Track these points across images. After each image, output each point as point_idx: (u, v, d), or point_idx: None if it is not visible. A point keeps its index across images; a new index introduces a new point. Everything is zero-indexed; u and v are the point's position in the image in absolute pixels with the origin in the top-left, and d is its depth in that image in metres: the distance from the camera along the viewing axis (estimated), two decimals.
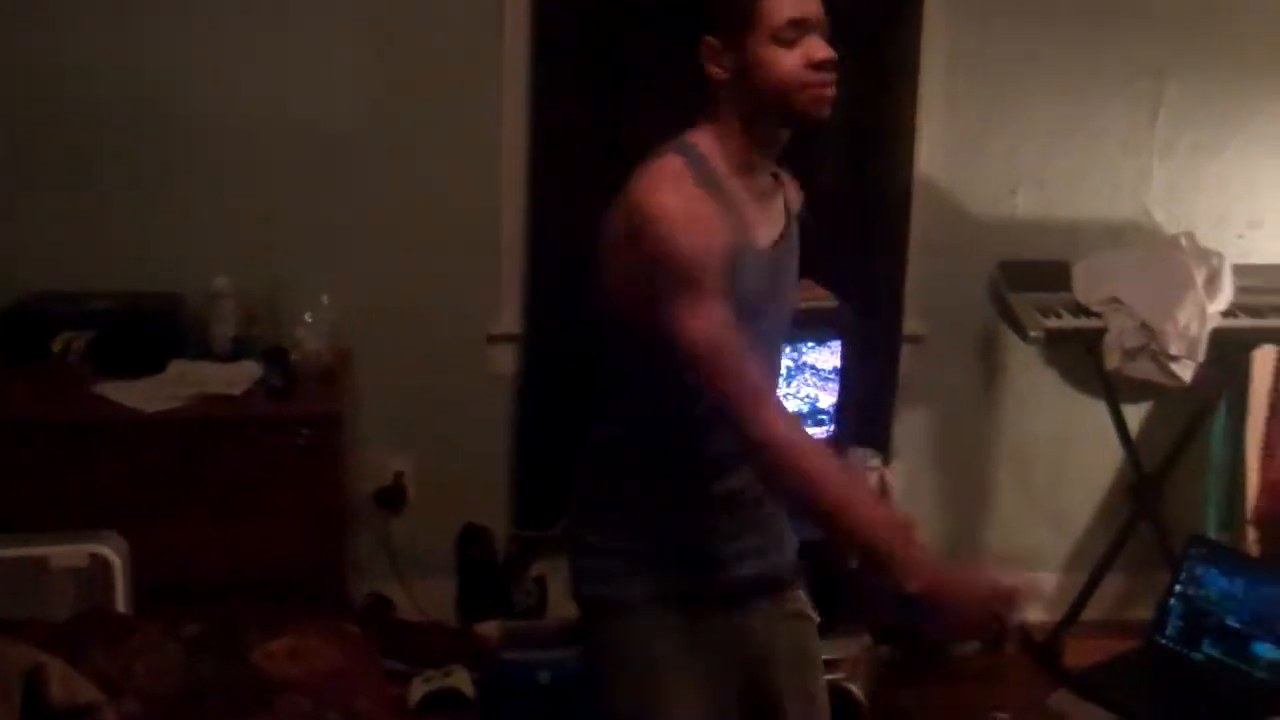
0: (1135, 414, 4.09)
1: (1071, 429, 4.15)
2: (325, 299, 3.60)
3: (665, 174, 1.97)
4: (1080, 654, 3.73)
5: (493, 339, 3.88)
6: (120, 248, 3.68)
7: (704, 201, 1.95)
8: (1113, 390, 3.91)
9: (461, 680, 3.53)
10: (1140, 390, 3.92)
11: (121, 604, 3.08)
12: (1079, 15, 3.89)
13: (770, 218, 2.11)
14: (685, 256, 1.89)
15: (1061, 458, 4.18)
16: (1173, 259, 3.71)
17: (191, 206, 3.71)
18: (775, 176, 2.17)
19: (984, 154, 3.96)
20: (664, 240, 1.90)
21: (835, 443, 3.63)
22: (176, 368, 3.52)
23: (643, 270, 1.93)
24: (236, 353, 3.61)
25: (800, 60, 1.96)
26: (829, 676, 3.30)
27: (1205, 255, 3.71)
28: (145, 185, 3.68)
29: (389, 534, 3.90)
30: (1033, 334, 3.68)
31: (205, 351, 3.61)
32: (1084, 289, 3.78)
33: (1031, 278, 3.83)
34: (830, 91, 1.99)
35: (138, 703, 2.51)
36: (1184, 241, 3.75)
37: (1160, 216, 4.02)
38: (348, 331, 3.68)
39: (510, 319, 3.88)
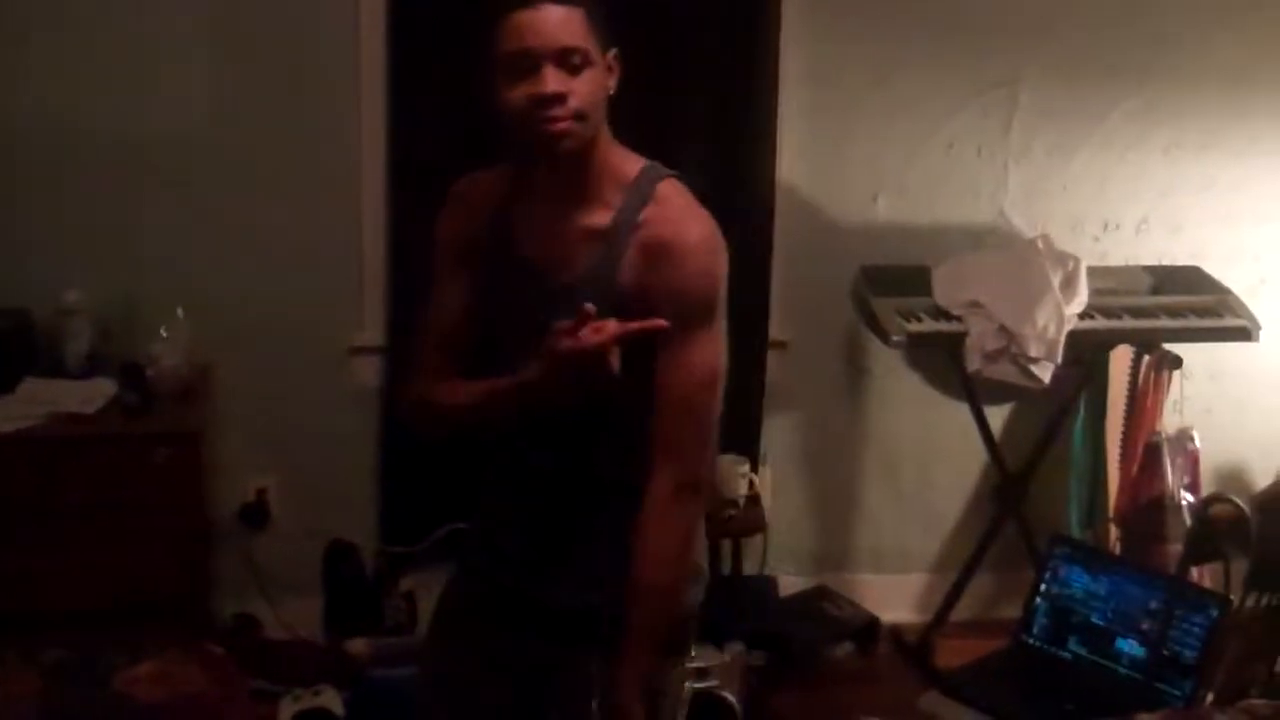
0: (998, 415, 4.16)
1: (936, 431, 4.21)
2: (181, 313, 3.51)
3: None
4: (951, 654, 3.78)
5: (355, 351, 3.82)
6: None
7: None
8: (974, 392, 3.98)
9: (331, 699, 3.46)
10: (1002, 391, 3.98)
11: None
12: (930, 29, 3.94)
13: (570, 254, 2.03)
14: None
15: (928, 459, 4.25)
16: (1030, 262, 3.78)
17: (39, 219, 3.60)
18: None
19: (844, 161, 4.01)
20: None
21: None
22: (28, 386, 3.42)
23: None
24: (90, 370, 3.51)
25: (524, 94, 1.89)
26: (702, 685, 3.34)
27: (1062, 258, 3.79)
28: None
29: (253, 552, 3.81)
30: (895, 338, 3.73)
31: (58, 369, 3.50)
32: (944, 293, 3.84)
33: (893, 282, 3.88)
34: (560, 126, 1.89)
35: None
36: (1041, 244, 3.82)
37: (1018, 220, 4.11)
38: (205, 347, 3.60)
39: (374, 331, 3.82)
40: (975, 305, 3.75)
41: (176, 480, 3.30)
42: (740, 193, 3.86)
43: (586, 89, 1.91)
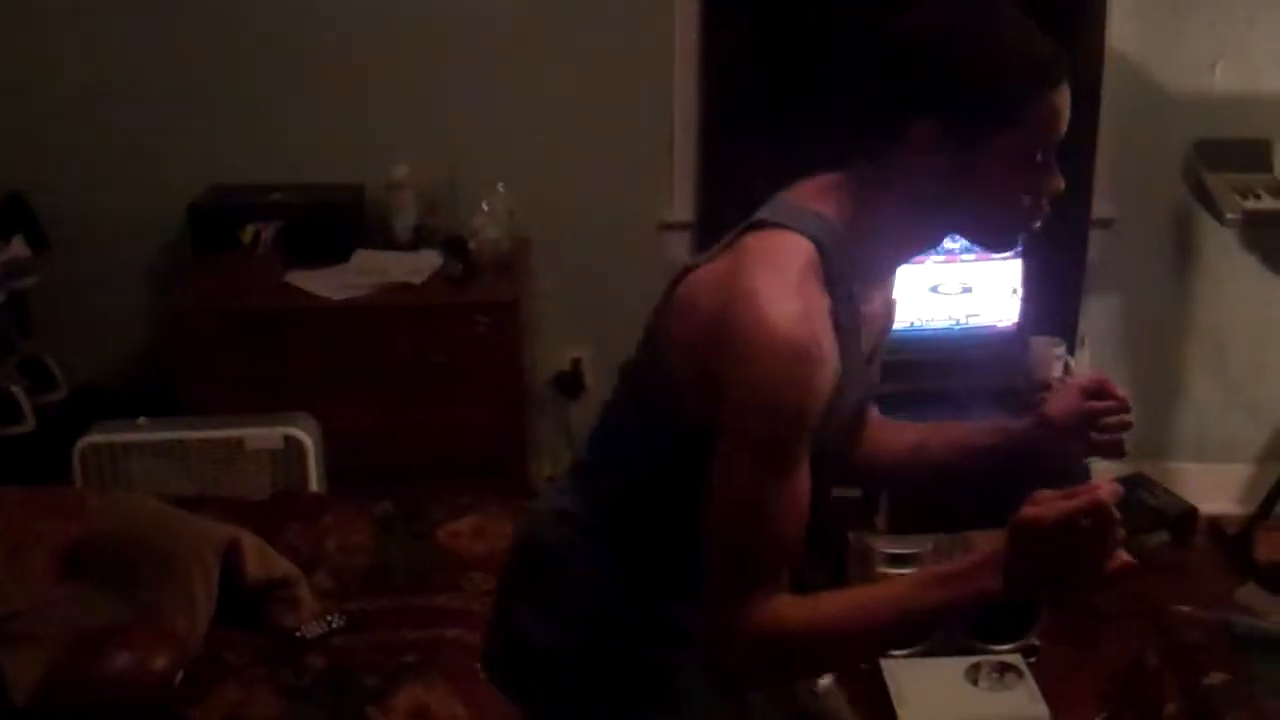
0: None
1: (1270, 315, 3.97)
2: (501, 188, 3.62)
3: (781, 269, 1.47)
4: (1272, 548, 3.61)
5: (666, 226, 3.87)
6: (301, 139, 3.76)
7: (823, 319, 1.46)
8: None
9: None
10: None
11: (314, 483, 3.20)
12: None
13: (873, 326, 1.66)
14: (784, 416, 1.43)
15: (1259, 345, 4.02)
16: None
17: (369, 98, 3.76)
18: None
19: (1181, 25, 3.76)
20: (763, 383, 1.42)
21: (1019, 330, 3.55)
22: (360, 257, 3.60)
23: (714, 386, 1.46)
24: (417, 242, 3.67)
25: (1040, 188, 1.52)
26: None
27: None
28: (322, 79, 3.74)
29: (567, 419, 3.95)
30: (1230, 216, 3.52)
31: (387, 241, 3.68)
32: None
33: (1230, 157, 3.65)
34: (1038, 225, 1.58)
35: (330, 578, 2.61)
36: None
37: None
38: (524, 220, 3.71)
39: (683, 207, 3.86)
40: None
41: (496, 348, 3.43)
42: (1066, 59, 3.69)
43: None
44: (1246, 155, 3.65)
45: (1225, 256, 3.94)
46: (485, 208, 3.60)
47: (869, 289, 1.60)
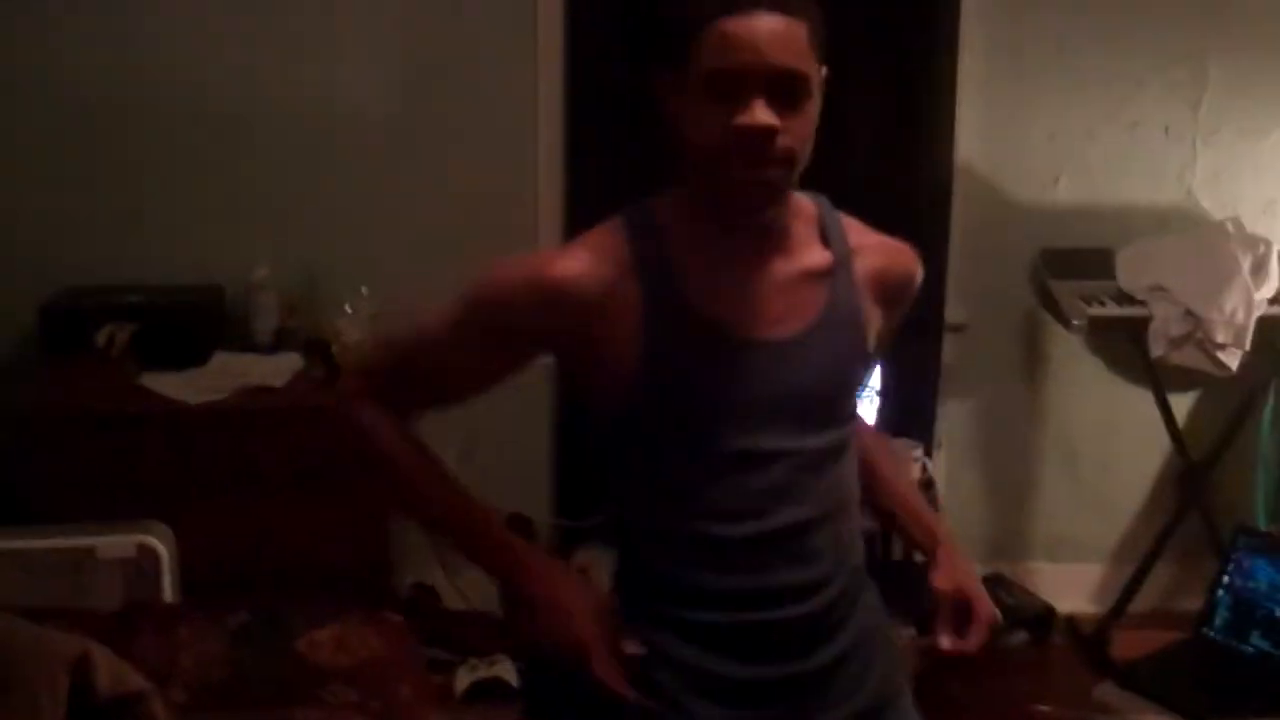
0: (1182, 402, 4.04)
1: (1117, 418, 4.11)
2: (365, 290, 3.60)
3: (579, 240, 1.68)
4: (1128, 646, 3.68)
5: None
6: (159, 240, 3.71)
7: (581, 269, 1.60)
8: (1159, 379, 3.87)
9: (506, 670, 3.54)
10: (1187, 378, 3.87)
11: (169, 593, 3.11)
12: (1114, 2, 3.85)
13: (790, 304, 1.66)
14: (480, 295, 1.71)
15: (1108, 447, 4.15)
16: (1219, 245, 3.66)
17: (230, 197, 3.73)
18: (834, 250, 1.71)
19: (1025, 141, 3.93)
20: (491, 270, 1.70)
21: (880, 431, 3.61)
22: (220, 359, 3.54)
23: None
24: (277, 344, 3.63)
25: (724, 125, 1.51)
26: None
27: (1252, 242, 3.66)
28: (182, 177, 3.71)
29: None
30: (1076, 322, 3.65)
31: (247, 343, 3.63)
32: (1128, 276, 3.74)
33: (1074, 265, 3.80)
34: (764, 174, 1.54)
35: (185, 692, 2.53)
36: (1230, 227, 3.70)
37: (1206, 202, 3.97)
38: (387, 323, 3.69)
39: None
40: (1160, 289, 3.65)
41: None
42: (918, 173, 3.82)
43: (801, 126, 1.55)
44: (1090, 264, 3.79)
45: (1073, 361, 4.07)
46: (348, 310, 3.58)
47: (723, 270, 1.63)
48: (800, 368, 1.66)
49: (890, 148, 3.81)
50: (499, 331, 1.67)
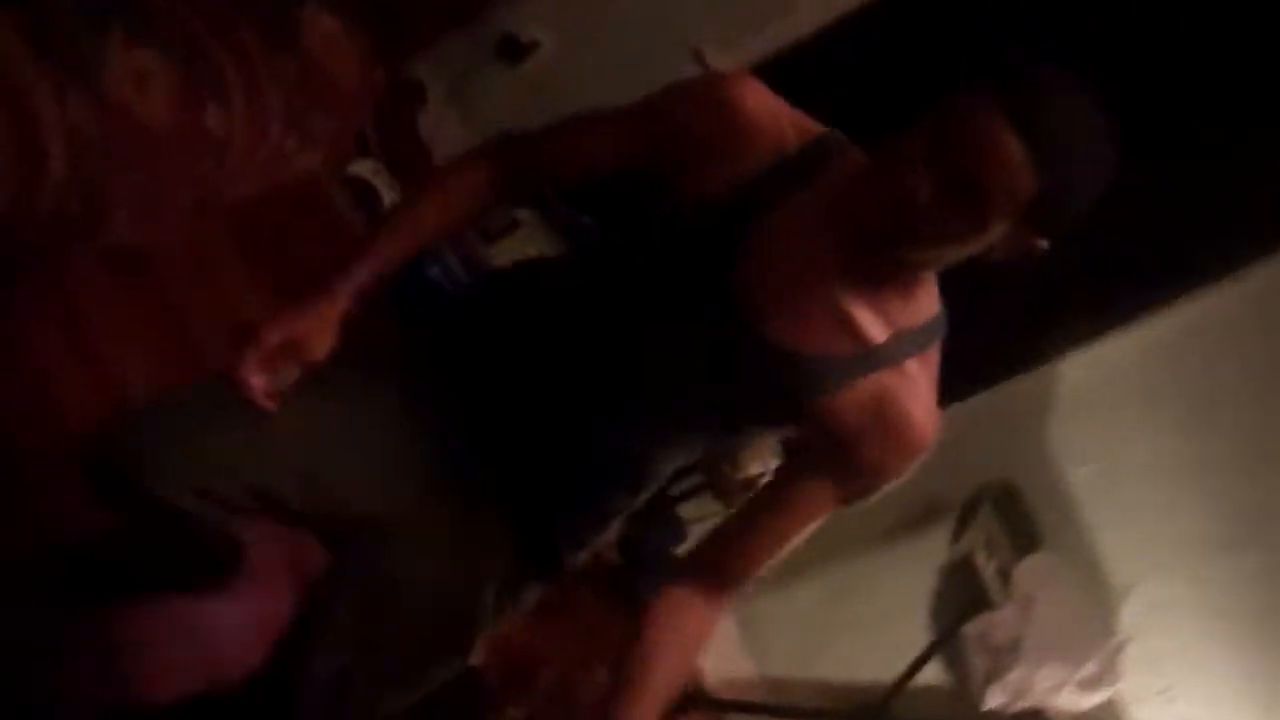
0: None
1: None
2: None
3: None
4: None
5: None
6: None
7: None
8: None
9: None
10: None
11: None
12: None
13: (803, 328, 1.58)
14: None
15: None
16: None
17: None
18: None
19: None
20: None
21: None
22: None
23: None
24: None
25: (911, 188, 1.44)
26: None
27: None
28: None
29: None
30: None
31: None
32: None
33: None
34: (918, 254, 1.52)
35: None
36: None
37: None
38: None
39: None
40: None
41: None
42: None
43: (973, 245, 1.48)
44: None
45: None
46: None
47: (797, 243, 1.61)
48: (755, 367, 1.60)
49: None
50: (656, 112, 1.66)
